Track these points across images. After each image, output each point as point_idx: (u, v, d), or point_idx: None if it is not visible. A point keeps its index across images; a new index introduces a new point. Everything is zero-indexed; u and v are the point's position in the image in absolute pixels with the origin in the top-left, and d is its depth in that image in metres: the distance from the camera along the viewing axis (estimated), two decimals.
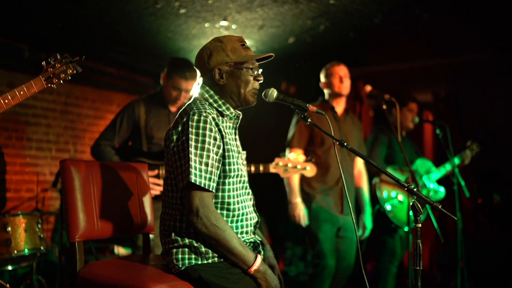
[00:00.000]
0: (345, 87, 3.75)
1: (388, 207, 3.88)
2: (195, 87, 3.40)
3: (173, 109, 3.50)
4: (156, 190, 3.20)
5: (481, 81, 5.85)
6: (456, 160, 4.16)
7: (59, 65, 2.21)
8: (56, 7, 4.35)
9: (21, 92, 2.12)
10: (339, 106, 3.81)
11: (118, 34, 5.08)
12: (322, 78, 3.82)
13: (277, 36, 5.08)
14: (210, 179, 1.98)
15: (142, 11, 4.40)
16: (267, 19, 4.63)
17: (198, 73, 2.21)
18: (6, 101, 2.10)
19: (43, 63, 2.19)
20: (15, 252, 3.53)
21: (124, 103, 3.59)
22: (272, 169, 3.19)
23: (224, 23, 4.70)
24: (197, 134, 1.97)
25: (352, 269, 3.76)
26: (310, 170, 3.22)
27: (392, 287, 4.10)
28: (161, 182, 3.26)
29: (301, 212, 3.55)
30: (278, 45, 5.34)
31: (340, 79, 3.72)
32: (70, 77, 2.27)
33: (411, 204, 1.93)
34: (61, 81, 2.23)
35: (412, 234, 2.57)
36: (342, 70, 3.75)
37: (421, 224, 1.93)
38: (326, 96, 3.83)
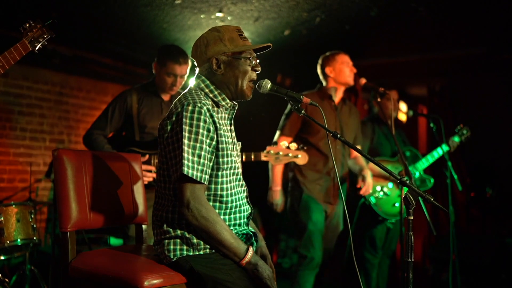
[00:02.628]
0: (353, 77, 3.76)
1: (373, 199, 3.88)
2: (190, 78, 3.40)
3: (165, 98, 3.48)
4: (149, 177, 3.20)
5: (476, 75, 5.86)
6: (445, 147, 4.13)
7: (35, 30, 2.24)
8: None
9: (11, 55, 2.14)
10: (338, 95, 3.78)
11: (114, 24, 5.06)
12: (329, 64, 3.73)
13: (273, 28, 5.07)
14: (202, 171, 1.97)
15: (138, 1, 4.38)
16: (263, 11, 4.61)
17: (195, 62, 2.20)
18: (0, 64, 2.13)
19: (21, 29, 2.22)
20: (8, 242, 3.52)
21: (118, 93, 3.58)
22: (263, 157, 3.18)
23: (219, 14, 4.68)
24: (190, 125, 1.96)
25: (329, 257, 3.78)
26: (302, 158, 3.21)
27: (381, 279, 4.13)
28: (153, 168, 3.26)
29: (279, 200, 3.62)
30: (273, 37, 5.33)
31: (351, 69, 3.73)
32: (46, 42, 2.31)
33: (403, 196, 1.93)
34: (41, 45, 2.27)
35: (405, 226, 2.58)
36: (350, 61, 3.76)
37: (413, 216, 1.94)
38: (328, 84, 3.77)
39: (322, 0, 4.30)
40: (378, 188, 3.92)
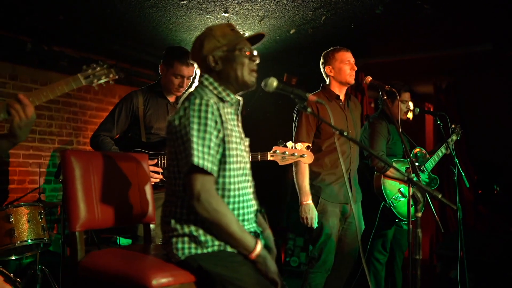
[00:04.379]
0: (354, 75, 3.59)
1: (391, 202, 3.85)
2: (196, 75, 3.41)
3: (171, 99, 3.51)
4: (156, 178, 3.22)
5: (482, 72, 5.85)
6: (443, 149, 4.14)
7: (99, 68, 2.24)
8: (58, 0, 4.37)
9: (59, 87, 2.14)
10: (342, 94, 3.63)
11: (120, 26, 5.09)
12: (328, 62, 3.59)
13: (278, 27, 5.08)
14: (212, 162, 1.99)
15: (144, 2, 4.40)
16: (268, 10, 4.63)
17: (195, 64, 2.22)
18: (45, 93, 2.12)
19: (84, 66, 2.23)
20: (19, 242, 3.57)
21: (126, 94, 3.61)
22: (269, 157, 3.19)
23: (225, 14, 4.70)
24: (199, 117, 1.98)
25: (353, 264, 3.66)
26: (308, 158, 3.22)
27: (397, 275, 4.13)
28: (160, 170, 3.28)
29: (313, 214, 3.39)
30: (279, 36, 5.34)
31: (352, 66, 3.55)
32: (112, 81, 2.30)
33: (411, 194, 1.94)
34: (103, 83, 2.26)
35: (412, 224, 2.58)
36: (352, 57, 3.59)
37: (421, 214, 1.94)
38: (331, 83, 3.62)
39: None
40: (397, 189, 3.90)
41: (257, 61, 2.18)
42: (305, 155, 3.21)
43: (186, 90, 3.47)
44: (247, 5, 4.48)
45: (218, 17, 4.78)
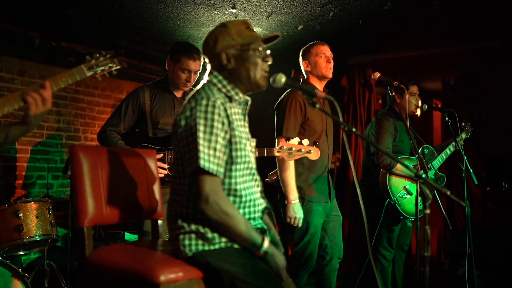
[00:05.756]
0: (331, 69, 3.50)
1: (397, 199, 3.84)
2: (205, 72, 3.40)
3: (178, 94, 3.51)
4: (161, 173, 3.23)
5: (490, 68, 5.81)
6: (452, 147, 4.12)
7: (102, 58, 2.23)
8: None
9: (63, 79, 2.14)
10: (321, 89, 3.54)
11: (128, 22, 5.10)
12: (304, 57, 3.53)
13: (286, 23, 5.07)
14: (218, 164, 1.98)
15: None
16: (276, 6, 4.61)
17: (206, 59, 2.21)
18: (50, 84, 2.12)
19: (87, 56, 2.21)
20: (27, 238, 3.58)
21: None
22: (276, 152, 3.17)
23: (233, 10, 4.69)
24: (205, 119, 1.97)
25: (342, 255, 3.64)
26: (314, 153, 3.19)
27: (398, 273, 4.12)
28: (165, 165, 3.29)
29: (301, 214, 3.33)
30: (287, 32, 5.32)
31: (328, 59, 3.48)
32: (115, 71, 2.28)
33: (419, 190, 1.93)
34: (106, 73, 2.24)
35: (420, 221, 2.57)
36: (328, 51, 3.51)
37: (429, 210, 1.93)
38: (310, 79, 3.54)
39: None
40: (403, 186, 3.88)
41: (270, 62, 2.16)
42: (312, 151, 3.19)
43: (193, 86, 3.50)
44: (255, 1, 4.47)
45: (226, 13, 4.77)
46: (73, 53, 5.41)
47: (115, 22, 5.16)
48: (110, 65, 2.27)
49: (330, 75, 3.51)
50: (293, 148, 3.16)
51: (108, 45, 5.63)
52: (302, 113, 3.41)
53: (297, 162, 3.32)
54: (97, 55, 2.24)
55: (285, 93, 3.50)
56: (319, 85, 3.54)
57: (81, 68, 2.19)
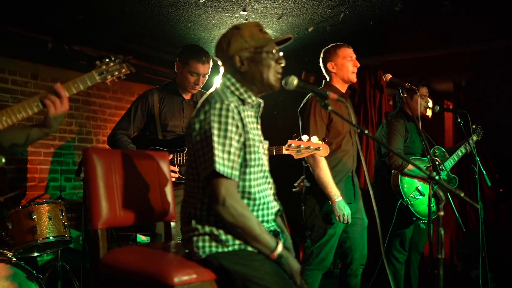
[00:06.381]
0: (355, 73, 3.49)
1: (409, 200, 3.82)
2: (215, 77, 3.42)
3: (187, 96, 3.53)
4: (172, 176, 3.23)
5: (502, 69, 5.77)
6: (463, 149, 4.10)
7: (112, 64, 2.26)
8: None
9: (75, 85, 2.17)
10: (344, 90, 3.53)
11: (139, 25, 5.13)
12: (330, 59, 3.49)
13: (296, 25, 5.07)
14: (233, 167, 1.99)
15: (163, 1, 4.43)
16: (286, 8, 4.62)
17: (219, 62, 2.22)
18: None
19: (97, 61, 2.25)
20: (41, 239, 3.62)
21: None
22: (284, 151, 3.16)
23: (243, 12, 4.70)
24: (219, 122, 1.97)
25: (365, 261, 3.58)
26: (323, 151, 3.18)
27: (413, 276, 4.10)
28: (176, 168, 3.30)
29: (347, 210, 3.30)
30: (297, 34, 5.33)
31: (354, 63, 3.47)
32: (124, 76, 2.32)
33: (432, 192, 1.92)
34: (115, 79, 2.28)
35: (432, 222, 2.55)
36: (353, 54, 3.50)
37: (443, 212, 1.92)
38: (332, 80, 3.52)
39: None
40: (415, 187, 3.87)
41: (283, 64, 2.17)
42: (321, 148, 3.18)
43: (204, 89, 3.51)
44: (265, 3, 4.48)
45: (237, 15, 4.78)
46: (84, 56, 5.45)
47: (126, 25, 5.19)
48: (120, 70, 2.30)
49: (355, 80, 3.50)
50: (302, 146, 3.16)
51: (119, 48, 5.67)
52: (326, 115, 3.40)
53: None
54: (107, 60, 2.26)
55: (308, 95, 3.50)
56: (343, 87, 3.52)
57: (92, 74, 2.22)
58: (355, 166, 3.55)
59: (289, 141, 3.18)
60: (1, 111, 2.03)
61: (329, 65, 3.50)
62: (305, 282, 3.40)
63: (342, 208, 3.29)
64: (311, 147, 3.16)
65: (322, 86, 3.56)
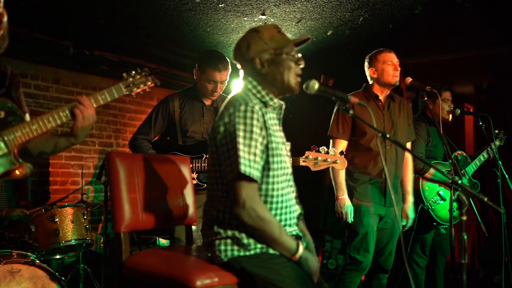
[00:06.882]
0: (397, 76, 3.54)
1: (431, 204, 3.79)
2: (234, 80, 3.45)
3: (207, 102, 3.55)
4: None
5: None
6: (485, 154, 4.07)
7: (138, 76, 2.32)
8: (98, 5, 4.46)
9: (103, 96, 2.23)
10: (384, 94, 3.59)
11: (158, 30, 5.17)
12: (371, 64, 3.58)
13: (315, 28, 5.07)
14: (257, 169, 2.00)
15: (182, 6, 4.46)
16: (305, 12, 4.62)
17: (238, 65, 2.23)
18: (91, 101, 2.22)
19: (124, 74, 2.31)
20: (63, 242, 3.67)
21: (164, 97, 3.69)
22: (302, 162, 3.17)
23: (262, 16, 4.72)
24: (244, 124, 1.98)
25: (389, 269, 3.60)
26: (341, 164, 3.19)
27: (439, 279, 4.07)
28: (194, 175, 3.34)
29: (348, 208, 3.41)
30: (316, 38, 5.32)
31: (395, 67, 3.52)
32: (149, 89, 2.38)
33: (455, 196, 1.91)
34: (140, 92, 2.34)
35: (454, 228, 2.54)
36: (395, 58, 3.55)
37: (466, 217, 1.91)
38: (373, 85, 3.60)
39: None
40: (436, 191, 3.84)
41: (303, 65, 2.17)
42: (338, 161, 3.19)
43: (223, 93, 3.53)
44: (284, 7, 4.49)
45: (256, 19, 4.80)
46: (105, 61, 5.51)
47: (145, 30, 5.24)
48: (145, 82, 2.35)
49: (394, 82, 3.52)
50: (319, 158, 3.17)
51: (139, 53, 5.72)
52: (349, 117, 3.45)
53: (348, 162, 3.33)
54: (133, 73, 2.32)
55: None
56: (382, 91, 3.58)
57: (119, 87, 2.28)
58: (391, 168, 3.51)
59: (307, 153, 3.19)
60: (31, 120, 2.07)
61: (370, 71, 3.58)
62: (343, 282, 3.43)
63: (342, 206, 3.43)
64: (329, 160, 3.17)
65: (362, 89, 3.66)
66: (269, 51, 2.12)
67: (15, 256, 3.29)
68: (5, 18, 2.10)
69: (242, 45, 2.16)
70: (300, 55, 2.18)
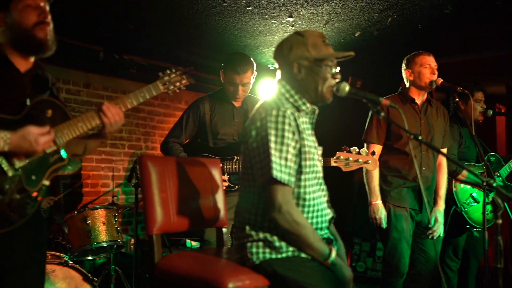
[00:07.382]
0: (432, 79, 3.45)
1: (463, 207, 3.73)
2: (252, 80, 3.46)
3: (237, 104, 3.57)
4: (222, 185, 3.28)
5: None
6: None
7: (174, 75, 2.38)
8: (127, 10, 4.53)
9: (141, 94, 2.30)
10: (420, 97, 3.52)
11: (186, 33, 5.21)
12: (408, 66, 3.50)
13: (343, 30, 5.04)
14: (289, 174, 2.00)
15: (210, 9, 4.49)
16: (333, 14, 4.60)
17: (276, 64, 2.24)
18: (130, 100, 2.29)
19: (160, 73, 2.37)
20: (95, 243, 3.73)
21: (192, 100, 3.72)
22: (333, 163, 3.16)
23: (290, 19, 4.72)
24: (276, 129, 1.99)
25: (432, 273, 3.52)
26: (372, 164, 3.17)
27: (471, 283, 4.00)
28: (225, 177, 3.34)
29: (381, 214, 3.36)
30: (344, 39, 5.29)
31: (432, 70, 3.45)
32: (184, 87, 2.44)
33: (491, 199, 1.87)
34: (177, 90, 2.41)
35: (489, 231, 2.49)
36: (433, 61, 3.49)
37: (501, 220, 1.87)
38: (410, 87, 3.53)
39: None
40: (469, 193, 3.78)
41: (338, 80, 2.16)
42: (370, 161, 3.17)
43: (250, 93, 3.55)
44: (312, 9, 4.48)
45: (283, 22, 4.80)
46: (134, 65, 5.59)
47: (174, 34, 5.29)
48: (180, 81, 2.40)
49: (429, 86, 3.45)
50: (351, 158, 3.15)
51: (168, 56, 5.78)
52: (384, 121, 3.40)
53: (382, 165, 3.32)
54: (168, 72, 2.39)
55: None
56: (418, 94, 3.51)
57: (156, 84, 2.35)
58: (427, 172, 3.43)
59: (338, 153, 3.17)
60: (62, 125, 2.13)
61: (407, 73, 3.52)
62: None
63: (376, 211, 3.37)
64: (360, 160, 3.15)
65: (398, 92, 3.59)
66: (309, 58, 2.11)
67: (49, 257, 3.36)
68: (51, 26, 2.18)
69: (285, 47, 2.16)
70: (338, 69, 2.16)
